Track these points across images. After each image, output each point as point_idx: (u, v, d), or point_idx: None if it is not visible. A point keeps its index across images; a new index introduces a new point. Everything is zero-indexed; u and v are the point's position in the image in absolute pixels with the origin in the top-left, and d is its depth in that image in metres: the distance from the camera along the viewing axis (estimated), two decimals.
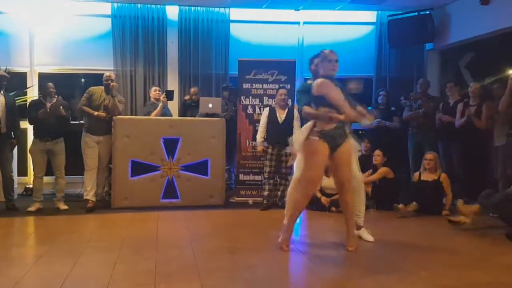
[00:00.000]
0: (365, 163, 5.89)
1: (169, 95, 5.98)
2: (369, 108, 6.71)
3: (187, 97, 6.66)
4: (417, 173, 5.57)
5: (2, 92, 5.39)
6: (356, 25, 7.45)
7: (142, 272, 3.17)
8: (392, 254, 3.74)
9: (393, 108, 6.63)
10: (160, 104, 6.01)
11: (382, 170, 5.68)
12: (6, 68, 6.07)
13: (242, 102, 6.25)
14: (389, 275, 3.18)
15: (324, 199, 5.49)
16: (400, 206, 5.43)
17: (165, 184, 5.64)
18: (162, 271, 3.19)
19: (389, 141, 6.30)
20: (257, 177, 6.11)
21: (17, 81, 6.44)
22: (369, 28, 7.47)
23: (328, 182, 5.54)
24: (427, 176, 5.43)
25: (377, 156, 5.74)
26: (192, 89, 6.64)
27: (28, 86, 6.67)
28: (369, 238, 4.09)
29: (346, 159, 3.67)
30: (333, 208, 5.38)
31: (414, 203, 5.26)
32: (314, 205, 5.58)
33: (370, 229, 4.26)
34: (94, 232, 4.39)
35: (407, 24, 6.96)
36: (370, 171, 5.80)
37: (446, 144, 6.08)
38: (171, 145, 5.65)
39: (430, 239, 4.31)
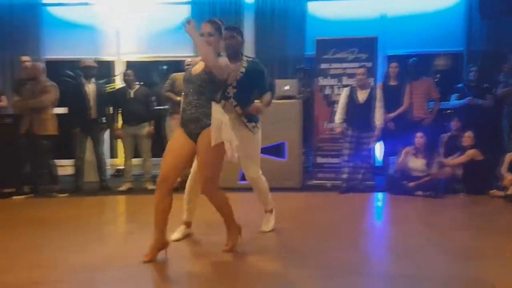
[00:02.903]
0: (454, 144, 5.56)
1: None
2: (459, 85, 6.25)
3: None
4: (510, 154, 5.09)
5: (92, 80, 5.80)
6: None
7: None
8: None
9: (486, 85, 6.08)
10: None
11: (470, 152, 5.31)
12: (95, 58, 6.50)
13: (320, 82, 6.11)
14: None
15: None
16: (492, 191, 5.08)
17: None
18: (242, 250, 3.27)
19: (481, 121, 5.80)
20: (335, 160, 5.97)
21: (106, 70, 6.88)
22: None
23: (414, 163, 5.29)
24: None
25: (467, 137, 5.37)
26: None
27: (115, 74, 7.10)
28: (267, 227, 3.81)
29: (199, 151, 3.04)
30: (419, 192, 5.13)
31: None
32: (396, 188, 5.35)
33: (458, 214, 3.96)
34: (181, 210, 4.56)
35: None
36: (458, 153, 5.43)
37: None
38: None
39: None
